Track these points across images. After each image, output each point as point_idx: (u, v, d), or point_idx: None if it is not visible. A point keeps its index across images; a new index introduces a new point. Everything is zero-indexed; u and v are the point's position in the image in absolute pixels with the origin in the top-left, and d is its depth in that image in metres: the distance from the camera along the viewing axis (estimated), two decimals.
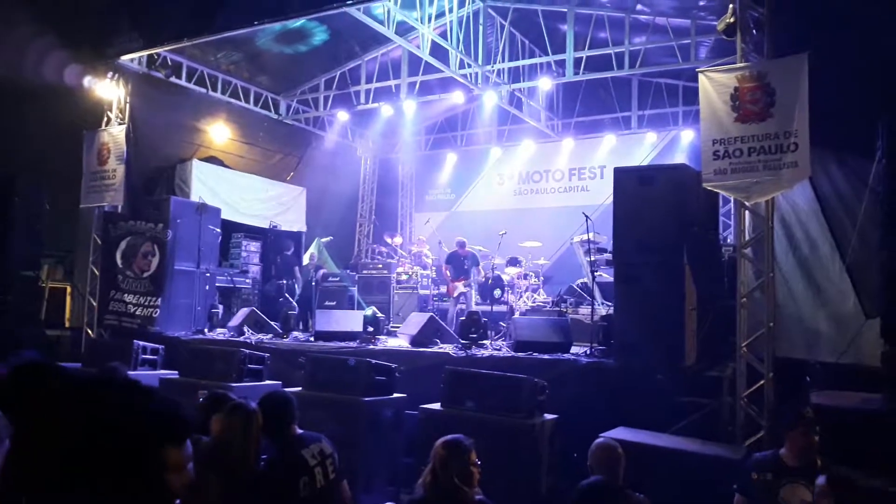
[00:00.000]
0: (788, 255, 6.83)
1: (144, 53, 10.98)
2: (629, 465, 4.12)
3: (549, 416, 5.83)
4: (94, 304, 10.70)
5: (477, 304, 11.44)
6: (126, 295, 10.42)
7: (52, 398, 1.25)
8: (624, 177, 7.39)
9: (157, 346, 8.83)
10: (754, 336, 6.32)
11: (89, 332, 10.66)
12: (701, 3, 10.35)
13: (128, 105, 11.03)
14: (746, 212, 6.77)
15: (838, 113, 6.72)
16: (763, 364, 6.18)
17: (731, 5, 6.87)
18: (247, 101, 13.37)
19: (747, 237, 6.73)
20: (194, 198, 11.62)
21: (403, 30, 10.82)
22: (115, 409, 1.20)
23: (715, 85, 6.77)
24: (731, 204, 8.60)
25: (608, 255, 8.88)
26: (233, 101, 13.05)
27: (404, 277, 12.75)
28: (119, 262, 10.57)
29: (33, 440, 1.19)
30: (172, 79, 11.62)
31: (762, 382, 6.13)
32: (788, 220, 6.93)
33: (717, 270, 7.55)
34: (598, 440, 4.29)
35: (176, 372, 7.98)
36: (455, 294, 11.47)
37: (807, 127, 6.22)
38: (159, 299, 10.12)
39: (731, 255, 7.68)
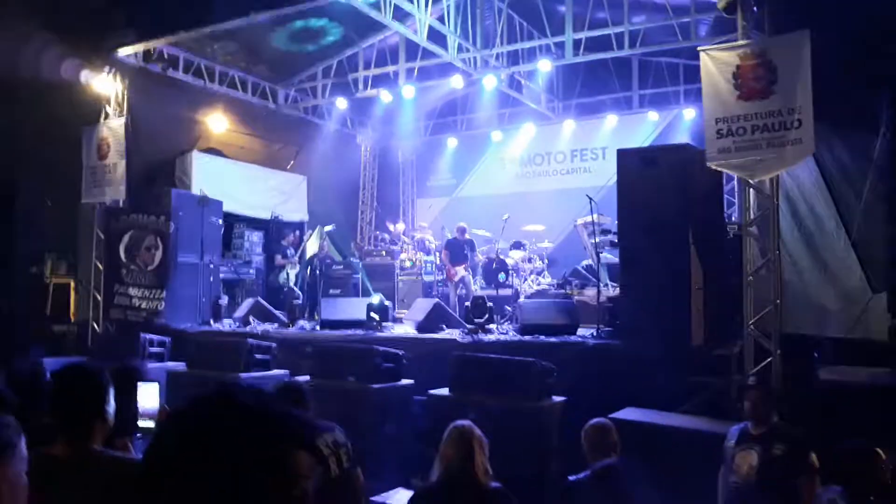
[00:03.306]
0: (794, 232, 6.82)
1: (140, 47, 10.91)
2: (638, 444, 4.15)
3: (557, 399, 5.85)
4: (99, 298, 10.72)
5: (482, 288, 11.44)
6: (130, 288, 10.44)
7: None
8: (627, 158, 7.38)
9: (163, 338, 8.85)
10: (761, 314, 6.31)
11: (95, 326, 10.68)
12: None
13: (126, 99, 10.99)
14: (751, 190, 6.75)
15: (841, 88, 6.69)
16: (770, 341, 6.18)
17: None
18: (245, 92, 13.29)
19: (752, 215, 6.71)
20: (195, 190, 11.59)
21: (400, 15, 10.72)
22: (257, 417, 1.18)
23: (716, 63, 6.73)
24: (735, 182, 8.58)
25: (612, 237, 8.86)
26: (231, 91, 12.97)
27: (408, 264, 12.74)
28: (122, 255, 10.58)
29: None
30: (169, 71, 11.56)
31: (770, 360, 6.13)
32: (793, 196, 6.91)
33: (723, 249, 7.53)
34: (591, 421, 4.31)
35: (183, 364, 8.00)
36: (455, 279, 11.47)
37: (810, 103, 6.18)
38: (164, 292, 10.14)
39: (736, 233, 7.66)
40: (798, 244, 6.78)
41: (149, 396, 3.09)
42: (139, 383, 3.13)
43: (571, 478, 4.10)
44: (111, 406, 2.47)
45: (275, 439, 1.14)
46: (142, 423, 3.02)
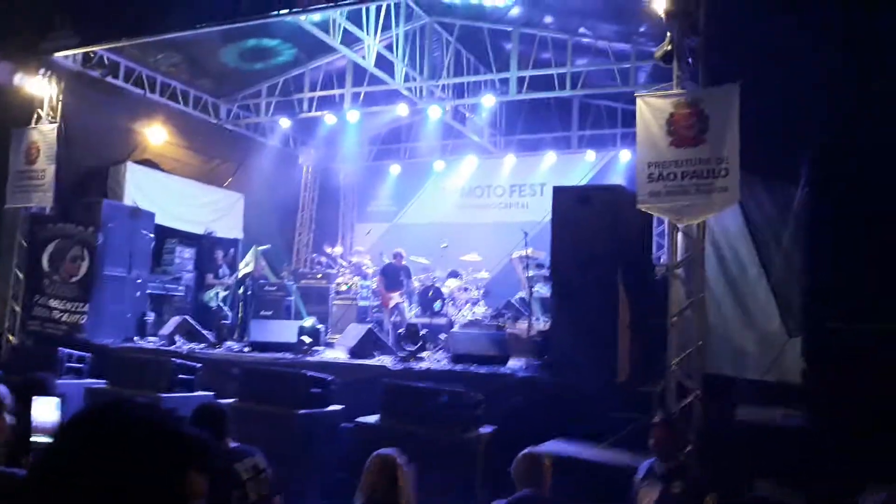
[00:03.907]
0: (719, 276, 7.07)
1: (80, 51, 10.64)
2: (560, 477, 4.20)
3: (485, 430, 5.88)
4: (18, 309, 10.25)
5: (417, 315, 11.44)
6: (51, 300, 10.03)
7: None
8: (562, 196, 7.57)
9: (83, 353, 8.52)
10: (684, 354, 6.50)
11: (11, 338, 10.19)
12: (641, 30, 10.67)
13: (60, 103, 10.65)
14: (679, 233, 6.98)
15: (766, 141, 7.02)
16: (692, 381, 6.36)
17: (668, 33, 7.11)
18: (186, 105, 13.08)
19: (679, 258, 6.93)
20: (128, 201, 11.29)
21: (349, 40, 10.81)
22: (145, 430, 1.15)
23: (651, 110, 6.97)
24: (665, 225, 8.87)
25: (546, 271, 9.02)
26: (171, 103, 12.74)
27: (344, 288, 12.64)
28: (45, 265, 10.18)
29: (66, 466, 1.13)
30: (109, 78, 11.29)
31: (691, 398, 6.31)
32: (719, 242, 7.18)
33: (651, 289, 7.75)
34: (523, 451, 4.36)
35: (104, 381, 7.73)
36: (390, 305, 11.45)
37: (737, 153, 6.46)
38: (87, 305, 9.77)
39: (663, 274, 7.89)
40: (722, 287, 7.03)
41: (47, 411, 2.99)
42: (35, 398, 3.02)
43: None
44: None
45: (165, 456, 1.12)
46: (39, 439, 2.91)
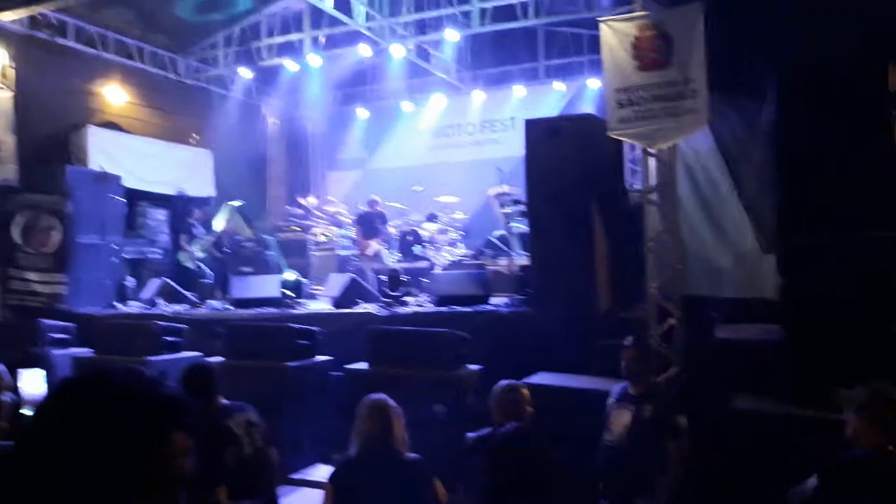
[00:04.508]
0: (692, 198, 7.13)
1: (24, 12, 10.21)
2: (539, 406, 4.28)
3: (473, 368, 5.98)
4: None
5: (397, 261, 11.47)
6: (28, 273, 9.90)
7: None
8: (533, 128, 7.52)
9: (67, 324, 8.48)
10: (663, 277, 6.60)
11: None
12: None
13: (12, 70, 10.31)
14: (651, 158, 7.00)
15: (732, 58, 6.98)
16: (672, 303, 6.48)
17: None
18: (142, 61, 12.70)
19: (652, 183, 6.97)
20: (93, 166, 11.05)
21: None
22: (128, 393, 1.18)
23: (616, 34, 6.88)
24: (637, 151, 8.89)
25: (523, 207, 9.04)
26: (127, 61, 12.37)
27: (322, 238, 12.60)
28: (16, 238, 10.01)
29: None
30: (60, 39, 10.91)
31: (672, 321, 6.44)
32: (691, 163, 7.21)
33: (626, 217, 7.81)
34: (500, 384, 4.36)
35: (90, 350, 7.72)
36: (369, 253, 11.45)
37: (704, 74, 6.43)
38: (65, 275, 9.69)
39: (638, 200, 7.94)
40: (696, 209, 7.10)
41: (34, 383, 3.03)
42: (23, 371, 3.07)
43: (471, 434, 4.21)
44: None
45: (145, 420, 1.15)
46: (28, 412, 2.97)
